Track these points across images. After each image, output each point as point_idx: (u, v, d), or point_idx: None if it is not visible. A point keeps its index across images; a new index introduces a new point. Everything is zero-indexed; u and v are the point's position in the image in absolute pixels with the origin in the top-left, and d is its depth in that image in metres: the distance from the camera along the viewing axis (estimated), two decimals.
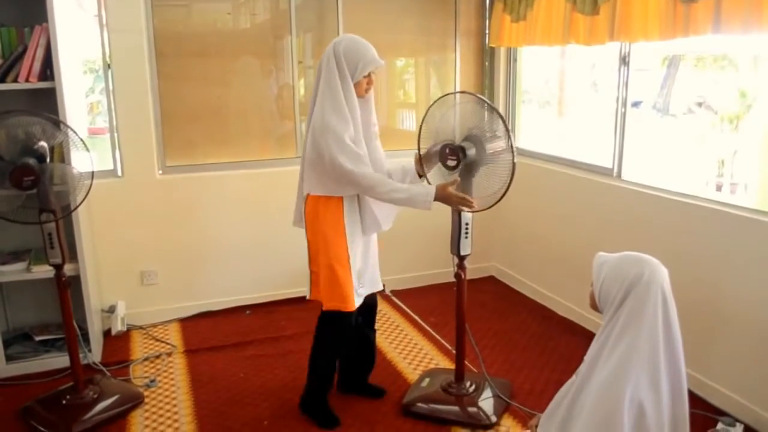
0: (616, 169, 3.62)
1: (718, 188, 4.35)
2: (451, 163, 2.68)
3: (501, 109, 4.66)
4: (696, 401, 3.00)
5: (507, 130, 2.63)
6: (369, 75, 2.66)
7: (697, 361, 3.03)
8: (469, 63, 4.65)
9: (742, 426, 2.74)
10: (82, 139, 2.76)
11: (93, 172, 2.79)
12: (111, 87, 3.71)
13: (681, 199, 3.15)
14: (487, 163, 2.68)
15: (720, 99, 4.96)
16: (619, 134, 3.58)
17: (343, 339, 2.88)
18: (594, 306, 2.04)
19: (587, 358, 2.01)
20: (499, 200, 2.67)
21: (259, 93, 4.21)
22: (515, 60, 4.57)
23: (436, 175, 2.83)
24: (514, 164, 2.59)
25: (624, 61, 3.48)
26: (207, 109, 4.03)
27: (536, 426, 2.28)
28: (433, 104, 2.77)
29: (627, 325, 1.86)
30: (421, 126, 2.83)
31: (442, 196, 2.64)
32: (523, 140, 4.66)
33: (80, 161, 2.81)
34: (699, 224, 3.03)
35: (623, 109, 3.54)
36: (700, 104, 5.43)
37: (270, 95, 4.26)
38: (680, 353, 1.88)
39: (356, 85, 2.63)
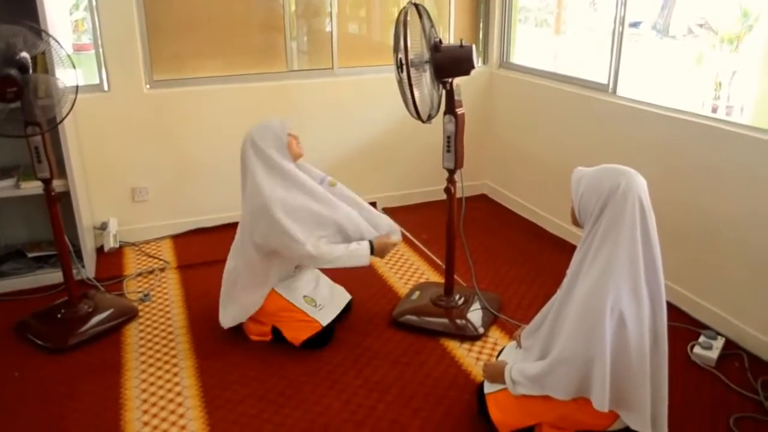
0: (611, 85, 3.56)
1: (714, 110, 4.31)
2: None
3: (496, 27, 4.55)
4: (680, 315, 3.07)
5: (406, 46, 2.52)
6: (289, 135, 2.74)
7: (684, 276, 3.08)
8: None
9: (723, 339, 2.82)
10: (63, 49, 2.68)
11: (77, 86, 2.72)
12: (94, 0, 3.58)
13: (675, 115, 3.12)
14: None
15: (721, 19, 4.85)
16: (615, 51, 3.50)
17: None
18: (575, 221, 2.03)
19: (569, 271, 2.02)
20: (416, 115, 2.65)
21: (249, 5, 4.07)
22: None
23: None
24: (401, 79, 2.56)
25: None
26: (195, 21, 3.90)
27: (520, 336, 2.33)
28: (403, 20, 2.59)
29: (606, 236, 1.86)
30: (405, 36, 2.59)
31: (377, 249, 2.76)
32: (517, 56, 4.56)
33: (65, 76, 2.74)
34: (693, 140, 3.01)
35: (621, 28, 3.45)
36: (701, 25, 5.30)
37: (259, 7, 4.12)
38: (659, 264, 1.89)
39: (289, 149, 2.72)
